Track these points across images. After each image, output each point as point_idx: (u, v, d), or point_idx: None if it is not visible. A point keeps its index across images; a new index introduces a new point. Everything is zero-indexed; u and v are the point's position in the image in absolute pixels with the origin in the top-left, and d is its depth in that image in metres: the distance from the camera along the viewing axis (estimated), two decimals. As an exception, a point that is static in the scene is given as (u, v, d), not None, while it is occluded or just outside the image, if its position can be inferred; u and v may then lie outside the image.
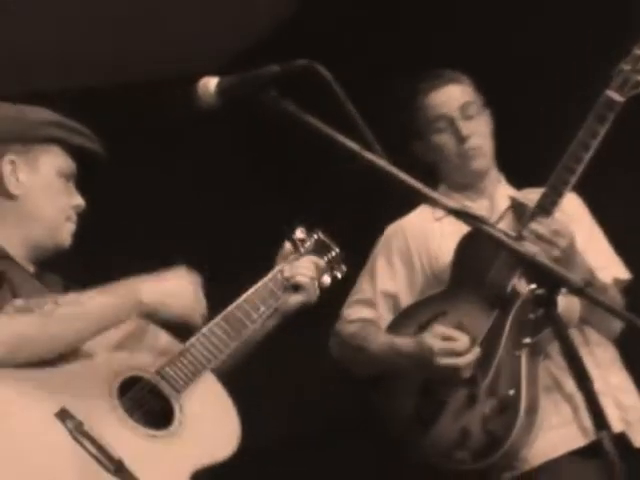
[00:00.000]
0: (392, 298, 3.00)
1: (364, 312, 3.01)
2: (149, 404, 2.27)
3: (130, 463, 2.12)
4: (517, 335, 2.74)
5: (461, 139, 2.90)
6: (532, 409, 2.73)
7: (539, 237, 2.65)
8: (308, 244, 2.73)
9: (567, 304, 2.52)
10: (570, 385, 2.58)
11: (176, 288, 2.30)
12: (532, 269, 1.90)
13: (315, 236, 2.75)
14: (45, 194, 2.39)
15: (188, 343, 2.37)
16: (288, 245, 2.70)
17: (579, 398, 2.23)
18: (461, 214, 1.89)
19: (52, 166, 2.41)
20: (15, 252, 2.37)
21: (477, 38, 4.03)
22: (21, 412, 2.07)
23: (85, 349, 2.22)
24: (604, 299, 1.99)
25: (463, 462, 2.73)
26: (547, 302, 1.88)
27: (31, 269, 2.43)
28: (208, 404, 2.38)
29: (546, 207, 2.72)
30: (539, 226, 2.67)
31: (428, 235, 2.99)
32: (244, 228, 4.47)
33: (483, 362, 2.74)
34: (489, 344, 2.75)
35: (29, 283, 2.34)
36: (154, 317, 2.30)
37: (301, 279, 2.59)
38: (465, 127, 2.91)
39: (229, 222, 4.60)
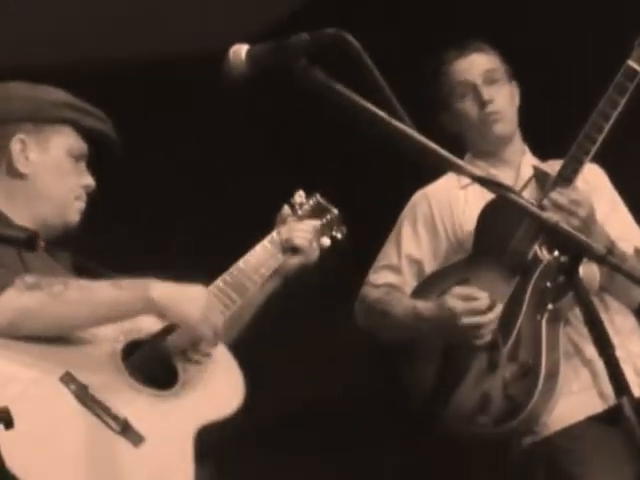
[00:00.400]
0: (417, 264, 3.03)
1: (389, 277, 3.04)
2: (153, 366, 2.30)
3: (135, 422, 2.16)
4: (538, 302, 2.78)
5: (482, 104, 2.94)
6: (552, 375, 2.76)
7: (559, 207, 2.68)
8: (306, 207, 2.75)
9: (587, 272, 2.56)
10: (590, 351, 2.60)
11: (189, 296, 2.28)
12: (555, 237, 1.93)
13: (313, 199, 2.78)
14: (54, 174, 2.42)
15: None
16: (286, 208, 2.72)
17: (599, 364, 2.30)
18: (485, 181, 1.91)
19: (62, 146, 2.43)
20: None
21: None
22: (26, 377, 2.12)
23: None
24: (625, 267, 2.01)
25: (485, 426, 2.77)
26: (570, 269, 1.92)
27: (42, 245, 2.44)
28: (211, 363, 2.40)
29: (567, 176, 2.76)
30: (559, 196, 2.70)
31: (452, 202, 3.02)
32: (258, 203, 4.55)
33: (504, 327, 2.78)
34: (510, 310, 2.79)
35: (40, 259, 2.35)
36: (163, 318, 2.29)
37: (298, 241, 2.61)
38: (486, 92, 2.94)
39: (243, 197, 4.65)
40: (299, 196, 2.76)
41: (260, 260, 2.54)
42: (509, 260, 2.81)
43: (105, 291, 2.22)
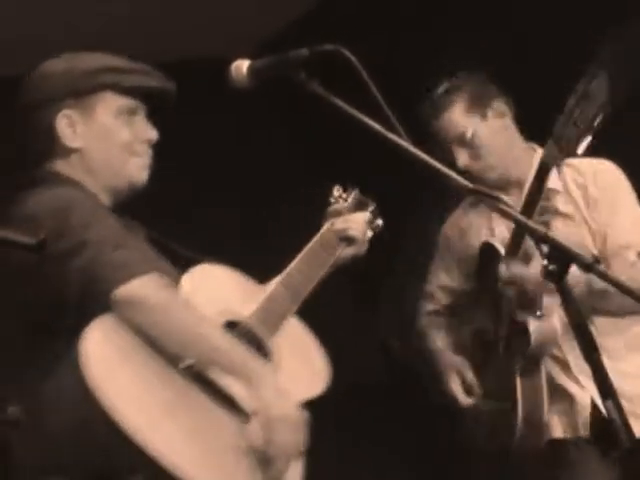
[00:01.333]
0: (449, 290, 3.27)
1: (429, 306, 3.30)
2: (246, 346, 2.32)
3: (240, 401, 2.20)
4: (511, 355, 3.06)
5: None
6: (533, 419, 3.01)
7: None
8: (349, 200, 2.82)
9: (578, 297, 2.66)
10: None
11: (287, 419, 2.19)
12: (544, 245, 2.00)
13: (353, 193, 2.84)
14: (105, 140, 2.39)
15: (273, 288, 2.46)
16: (333, 202, 2.79)
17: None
18: (476, 192, 2.00)
19: (108, 111, 2.39)
20: (102, 201, 2.39)
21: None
22: (131, 347, 2.16)
23: None
24: (612, 276, 2.08)
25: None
26: (558, 277, 1.99)
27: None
28: (297, 346, 2.46)
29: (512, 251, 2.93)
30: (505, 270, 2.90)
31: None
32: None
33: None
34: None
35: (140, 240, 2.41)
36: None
37: (353, 232, 2.67)
38: (462, 157, 3.03)
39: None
40: (337, 190, 2.82)
41: (318, 254, 2.60)
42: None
43: (223, 337, 2.24)
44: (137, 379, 2.14)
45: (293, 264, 2.53)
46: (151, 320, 2.16)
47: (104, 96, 2.38)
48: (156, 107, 2.46)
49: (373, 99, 1.98)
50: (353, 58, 2.00)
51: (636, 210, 3.05)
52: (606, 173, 3.06)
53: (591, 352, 1.93)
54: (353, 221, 2.71)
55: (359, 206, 2.82)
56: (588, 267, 1.93)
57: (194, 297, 2.31)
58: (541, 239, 1.98)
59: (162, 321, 2.17)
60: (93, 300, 2.14)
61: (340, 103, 2.00)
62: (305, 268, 2.56)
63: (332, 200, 2.80)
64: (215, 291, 2.40)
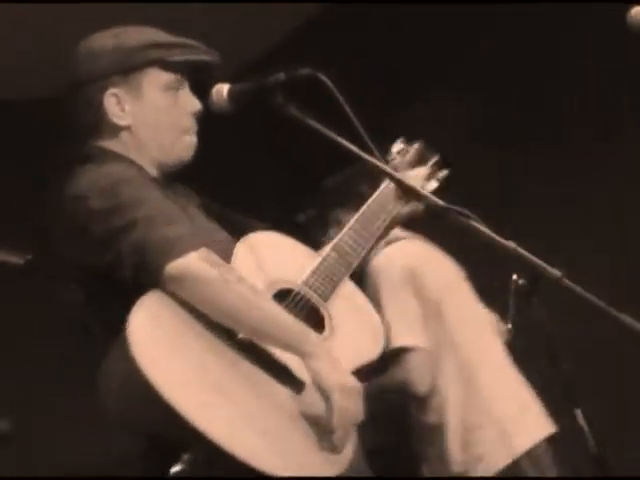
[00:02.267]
0: None
1: None
2: (300, 313, 2.32)
3: (321, 366, 2.18)
4: None
5: None
6: None
7: None
8: (409, 154, 2.83)
9: None
10: None
11: (342, 387, 2.18)
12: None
13: (415, 146, 2.86)
14: (153, 117, 2.40)
15: (325, 254, 2.45)
16: (392, 159, 2.79)
17: None
18: (450, 210, 2.09)
19: (155, 87, 2.40)
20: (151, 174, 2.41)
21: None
22: (182, 320, 2.18)
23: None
24: (580, 291, 2.16)
25: None
26: (528, 292, 2.09)
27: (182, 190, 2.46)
28: (352, 310, 2.47)
29: None
30: None
31: None
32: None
33: None
34: None
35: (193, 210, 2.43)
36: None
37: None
38: None
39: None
40: (397, 146, 2.84)
41: (377, 211, 2.60)
42: None
43: (276, 310, 2.23)
44: (186, 354, 2.16)
45: (347, 227, 2.53)
46: (201, 296, 2.17)
47: (150, 72, 2.38)
48: (201, 80, 2.46)
49: (348, 120, 2.08)
50: (328, 81, 2.10)
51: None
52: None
53: (558, 361, 2.04)
54: (411, 177, 2.70)
55: (420, 159, 2.84)
56: (556, 281, 2.00)
57: (247, 264, 2.33)
58: (511, 254, 2.05)
59: (212, 296, 2.17)
60: (146, 277, 2.16)
61: (314, 124, 2.09)
62: (359, 230, 2.55)
63: (391, 157, 2.80)
64: (269, 258, 2.42)
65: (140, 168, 2.36)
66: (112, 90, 2.35)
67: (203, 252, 2.17)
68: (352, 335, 2.40)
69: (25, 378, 3.94)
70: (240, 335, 2.17)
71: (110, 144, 2.38)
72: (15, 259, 1.97)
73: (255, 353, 2.19)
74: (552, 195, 4.38)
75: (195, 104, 2.42)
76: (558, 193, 4.35)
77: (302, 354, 2.17)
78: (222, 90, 2.21)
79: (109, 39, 2.40)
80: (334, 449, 2.15)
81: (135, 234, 2.16)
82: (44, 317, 2.80)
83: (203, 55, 2.45)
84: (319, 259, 2.42)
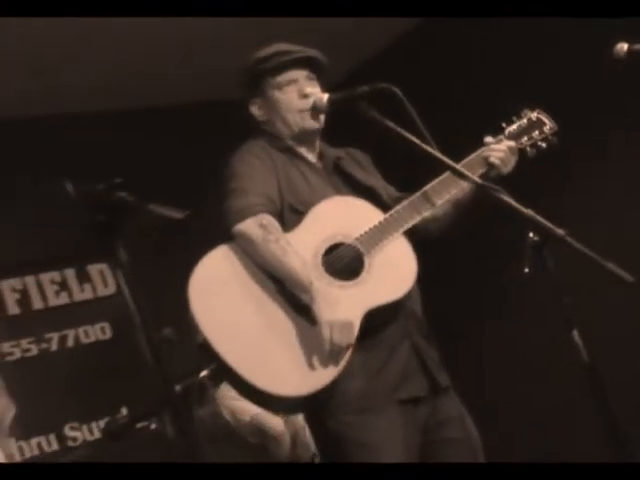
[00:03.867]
0: None
1: None
2: (346, 262, 2.95)
3: (318, 306, 2.86)
4: None
5: None
6: None
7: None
8: (515, 126, 3.25)
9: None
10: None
11: (333, 323, 2.83)
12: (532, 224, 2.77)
13: (529, 115, 3.29)
14: (282, 110, 3.16)
15: (388, 214, 3.02)
16: (490, 137, 3.23)
17: None
18: (488, 188, 2.84)
19: (278, 86, 3.15)
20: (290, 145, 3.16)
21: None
22: (237, 270, 2.96)
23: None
24: (580, 248, 2.72)
25: None
26: (540, 246, 2.82)
27: (314, 159, 3.19)
28: (393, 257, 2.97)
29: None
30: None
31: None
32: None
33: None
34: None
35: (316, 175, 3.15)
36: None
37: (492, 159, 3.13)
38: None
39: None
40: (513, 120, 3.27)
41: (438, 191, 3.07)
42: None
43: (290, 265, 2.89)
44: (235, 296, 2.92)
45: (409, 199, 3.06)
46: (249, 250, 2.94)
47: (277, 76, 3.15)
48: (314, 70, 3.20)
49: (416, 128, 2.88)
50: (399, 94, 2.87)
51: None
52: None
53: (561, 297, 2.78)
54: (495, 149, 3.15)
55: (527, 130, 3.26)
56: (560, 238, 2.71)
57: (319, 220, 2.99)
58: (529, 218, 2.76)
59: (254, 251, 2.94)
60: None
61: (391, 125, 2.88)
62: (417, 203, 3.05)
63: (508, 126, 3.26)
64: (341, 217, 3.03)
65: (275, 144, 3.17)
66: (252, 100, 3.27)
67: (259, 218, 2.97)
68: (383, 279, 2.93)
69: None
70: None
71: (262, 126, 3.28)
72: (176, 214, 2.47)
73: (285, 295, 2.91)
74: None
75: (307, 89, 3.12)
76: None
77: (309, 295, 2.87)
78: (323, 98, 3.03)
79: (251, 56, 3.23)
80: (316, 371, 2.82)
81: (226, 200, 3.01)
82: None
83: (311, 53, 3.20)
84: (377, 222, 3.00)
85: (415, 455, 2.91)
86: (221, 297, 2.93)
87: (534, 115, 3.28)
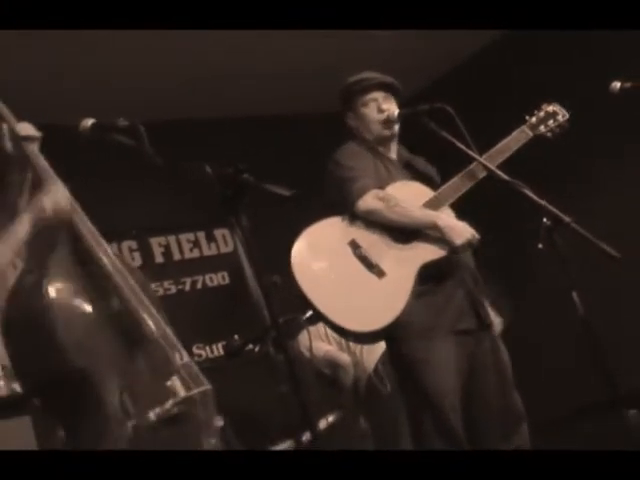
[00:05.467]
0: None
1: None
2: None
3: (384, 267, 3.74)
4: None
5: None
6: None
7: None
8: (534, 118, 4.05)
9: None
10: None
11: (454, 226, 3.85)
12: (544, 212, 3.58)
13: (547, 108, 4.10)
14: (366, 121, 4.09)
15: (437, 191, 3.88)
16: (528, 117, 4.07)
17: None
18: (512, 183, 3.68)
19: (363, 104, 4.06)
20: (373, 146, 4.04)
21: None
22: (326, 239, 3.82)
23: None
24: (584, 232, 3.51)
25: None
26: (552, 229, 3.59)
27: (393, 156, 4.10)
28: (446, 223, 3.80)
29: None
30: None
31: None
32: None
33: None
34: None
35: (392, 167, 4.03)
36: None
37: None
38: None
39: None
40: (534, 113, 4.06)
41: (465, 183, 3.89)
42: None
43: (415, 214, 3.78)
44: (326, 259, 3.74)
45: (462, 173, 3.89)
46: (377, 217, 3.77)
47: (364, 97, 4.07)
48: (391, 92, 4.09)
49: (462, 138, 3.73)
50: (451, 111, 3.76)
51: None
52: None
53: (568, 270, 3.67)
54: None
55: (543, 120, 4.05)
56: (567, 224, 3.49)
57: (395, 193, 3.82)
58: (542, 207, 3.56)
59: (382, 217, 3.79)
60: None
61: (446, 135, 3.76)
62: (452, 188, 3.89)
63: (534, 116, 4.07)
64: (407, 193, 3.89)
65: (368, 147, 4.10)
66: (349, 113, 4.26)
67: (374, 193, 3.81)
68: (433, 238, 3.79)
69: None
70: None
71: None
72: (284, 192, 2.95)
73: (360, 257, 3.74)
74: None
75: (384, 106, 4.10)
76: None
77: (435, 233, 3.73)
78: (394, 113, 3.98)
79: (348, 81, 4.25)
80: (386, 309, 3.65)
81: (345, 186, 3.89)
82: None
83: (386, 79, 4.17)
84: (432, 196, 3.87)
85: (462, 374, 3.77)
86: (316, 259, 3.77)
87: (550, 108, 4.09)
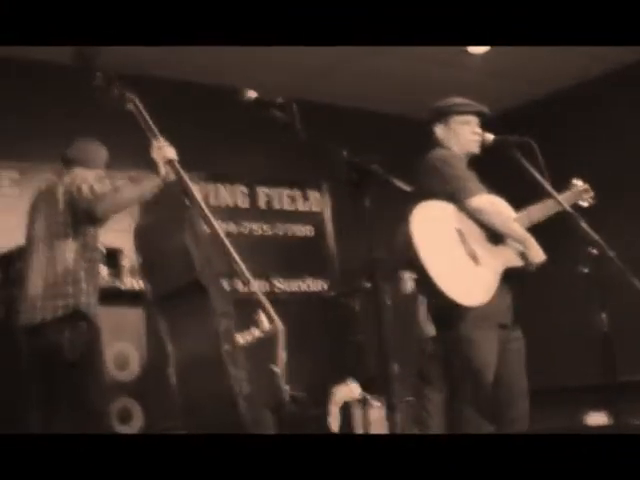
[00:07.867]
0: None
1: None
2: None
3: (479, 257, 4.27)
4: None
5: None
6: None
7: None
8: (570, 192, 4.83)
9: None
10: None
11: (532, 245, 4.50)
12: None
13: (576, 184, 4.92)
14: (459, 137, 4.63)
15: (526, 210, 4.48)
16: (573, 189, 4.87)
17: None
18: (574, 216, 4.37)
19: (456, 123, 4.59)
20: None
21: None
22: (441, 215, 4.34)
23: None
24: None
25: None
26: (597, 259, 4.44)
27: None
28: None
29: None
30: None
31: None
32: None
33: None
34: None
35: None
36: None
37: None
38: None
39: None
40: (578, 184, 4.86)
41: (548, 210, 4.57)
42: None
43: (509, 222, 4.42)
44: (437, 231, 4.22)
45: (539, 204, 4.59)
46: (485, 218, 4.32)
47: (456, 116, 4.65)
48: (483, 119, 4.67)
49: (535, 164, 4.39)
50: (535, 146, 4.42)
51: None
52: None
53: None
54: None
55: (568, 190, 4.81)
56: (609, 257, 4.23)
57: None
58: (592, 239, 4.28)
59: (490, 219, 4.33)
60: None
61: (525, 162, 4.40)
62: (530, 213, 4.60)
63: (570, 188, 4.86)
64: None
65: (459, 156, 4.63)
66: (438, 126, 4.82)
67: (488, 197, 4.33)
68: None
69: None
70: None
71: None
72: (406, 187, 3.28)
73: (466, 244, 4.27)
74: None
75: (475, 129, 4.72)
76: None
77: (523, 241, 4.38)
78: (489, 138, 4.63)
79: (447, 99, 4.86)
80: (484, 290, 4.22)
81: (454, 183, 4.37)
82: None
83: (477, 108, 4.72)
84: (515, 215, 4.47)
85: (495, 355, 4.36)
86: (432, 228, 4.22)
87: (576, 184, 4.96)
